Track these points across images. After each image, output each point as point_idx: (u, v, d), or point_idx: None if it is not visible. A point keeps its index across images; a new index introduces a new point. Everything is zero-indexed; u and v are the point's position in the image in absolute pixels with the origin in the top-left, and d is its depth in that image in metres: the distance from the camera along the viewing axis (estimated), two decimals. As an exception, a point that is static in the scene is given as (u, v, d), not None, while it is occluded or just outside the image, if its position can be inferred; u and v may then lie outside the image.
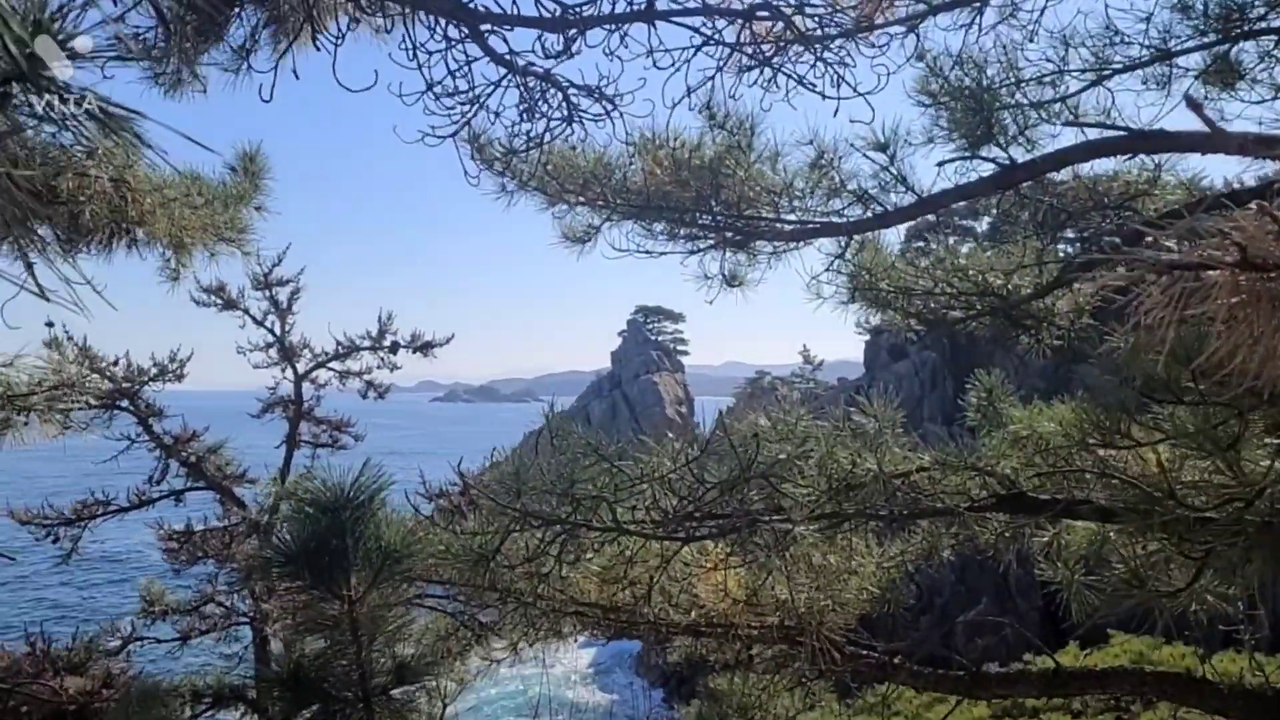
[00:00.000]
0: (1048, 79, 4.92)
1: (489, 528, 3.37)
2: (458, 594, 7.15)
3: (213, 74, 4.49)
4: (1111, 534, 3.99)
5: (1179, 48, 4.93)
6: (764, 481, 3.59)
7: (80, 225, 4.22)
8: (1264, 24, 4.83)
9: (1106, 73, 4.93)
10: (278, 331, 9.76)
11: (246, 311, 9.59)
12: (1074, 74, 4.94)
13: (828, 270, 5.42)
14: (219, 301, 9.34)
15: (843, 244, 5.24)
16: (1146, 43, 4.95)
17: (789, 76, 3.07)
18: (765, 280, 5.67)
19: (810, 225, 5.04)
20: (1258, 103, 5.00)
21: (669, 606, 5.06)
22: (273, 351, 9.89)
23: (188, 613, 8.65)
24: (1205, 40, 4.87)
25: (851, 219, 4.91)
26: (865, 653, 4.88)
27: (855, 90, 3.06)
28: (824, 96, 3.15)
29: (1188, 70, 5.02)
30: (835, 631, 4.22)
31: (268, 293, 9.55)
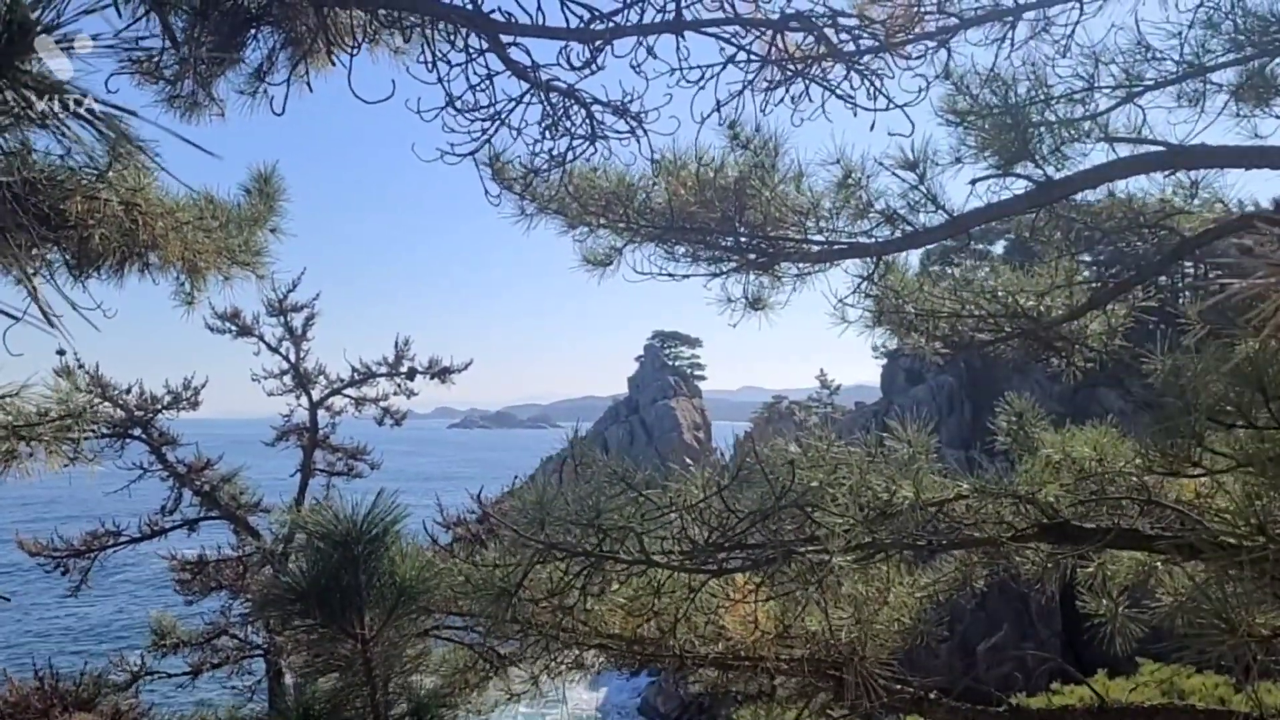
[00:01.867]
0: (1078, 96, 4.78)
1: (511, 559, 3.23)
2: (476, 625, 7.00)
3: (230, 97, 4.42)
4: (1159, 564, 3.83)
5: (1213, 63, 4.79)
6: (796, 511, 3.44)
7: (90, 249, 4.13)
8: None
9: (1138, 89, 4.80)
10: (292, 358, 9.68)
11: (261, 338, 9.51)
12: (1105, 91, 4.80)
13: (855, 293, 5.29)
14: (233, 328, 9.27)
15: (871, 265, 5.11)
16: (1180, 59, 4.81)
17: (824, 87, 2.94)
18: (788, 304, 5.55)
19: (838, 246, 4.91)
20: (1296, 119, 4.86)
21: (694, 638, 4.90)
22: (287, 378, 9.81)
23: (199, 645, 8.50)
24: (1242, 54, 4.73)
25: (880, 239, 4.79)
26: (899, 687, 4.70)
27: (891, 102, 2.93)
28: (856, 109, 3.03)
29: (1221, 86, 4.88)
30: (873, 665, 4.05)
31: (282, 319, 9.48)
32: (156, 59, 3.53)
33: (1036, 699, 9.58)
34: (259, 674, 8.74)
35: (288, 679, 8.58)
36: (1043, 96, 4.70)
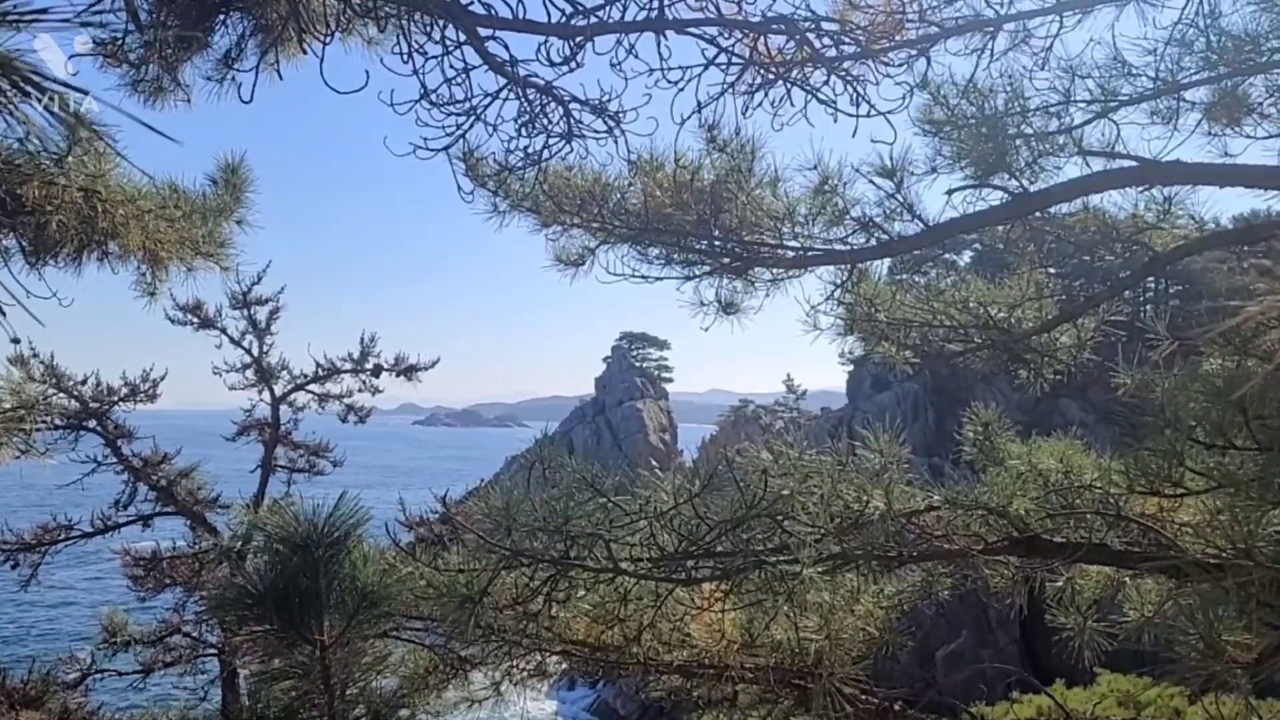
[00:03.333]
0: (1054, 109, 4.79)
1: (476, 564, 3.16)
2: (436, 628, 6.90)
3: (198, 84, 4.31)
4: (1127, 579, 3.83)
5: (1187, 80, 4.81)
6: (767, 519, 3.40)
7: (47, 236, 4.01)
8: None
9: (1113, 105, 4.80)
10: (255, 352, 9.50)
11: (224, 331, 9.32)
12: (1080, 105, 4.81)
13: (828, 300, 5.27)
14: (195, 320, 9.07)
15: (845, 273, 5.08)
16: (1155, 75, 4.82)
17: (806, 90, 2.90)
18: (762, 309, 5.52)
19: (813, 252, 4.88)
20: (1265, 138, 4.89)
21: (658, 645, 4.85)
22: (250, 372, 9.62)
23: (152, 644, 8.31)
24: (1215, 73, 4.75)
25: (855, 247, 4.76)
26: (864, 697, 4.67)
27: (872, 108, 2.90)
28: (837, 114, 2.99)
29: (1195, 104, 4.90)
30: (844, 676, 4.02)
31: (246, 312, 9.29)
32: (121, 40, 3.42)
33: (997, 709, 9.64)
34: (213, 673, 8.57)
35: (242, 679, 8.44)
36: (1019, 109, 4.70)
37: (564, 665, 5.67)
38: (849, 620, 4.71)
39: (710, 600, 4.49)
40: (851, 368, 51.61)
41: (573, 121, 3.38)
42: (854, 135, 2.97)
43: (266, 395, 9.62)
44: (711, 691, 5.76)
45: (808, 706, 4.83)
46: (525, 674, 5.81)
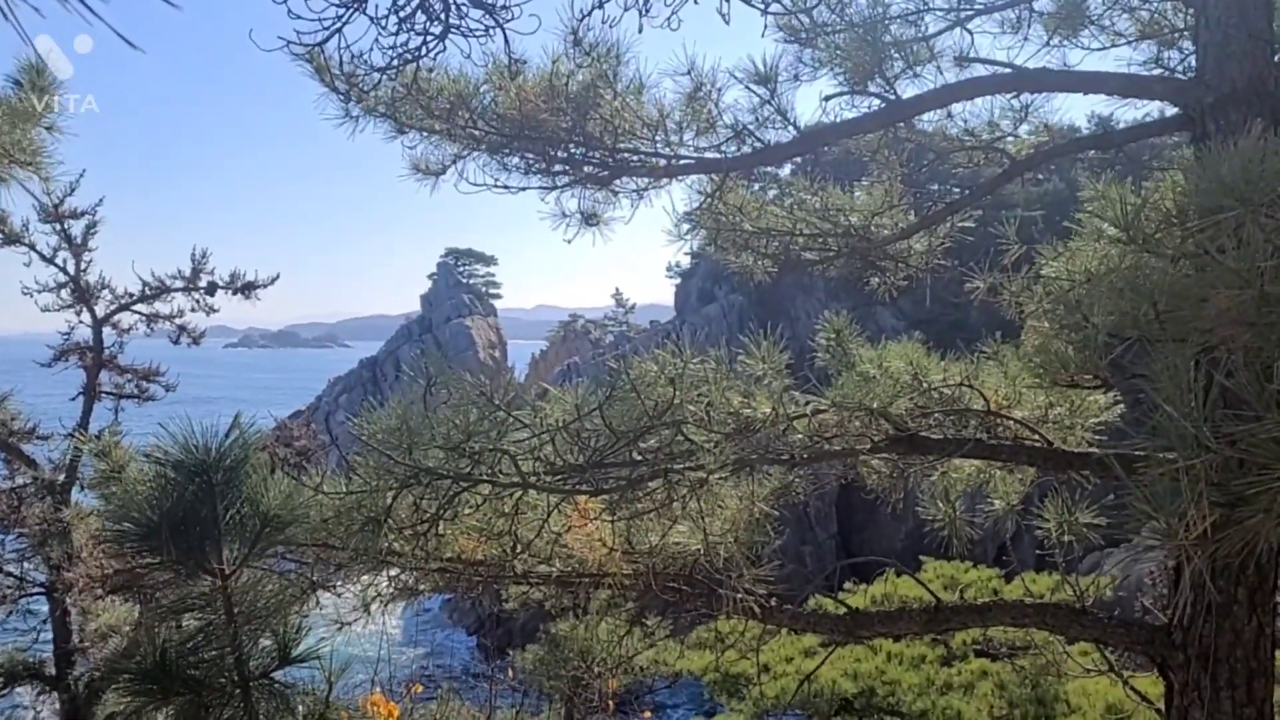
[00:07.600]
0: (912, 17, 4.88)
1: (379, 485, 3.02)
2: (287, 554, 6.68)
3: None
4: (996, 471, 4.05)
5: (1039, -11, 4.99)
6: (669, 429, 3.39)
7: None
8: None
9: (968, 13, 4.93)
10: (71, 270, 8.66)
11: (32, 247, 8.42)
12: (937, 13, 4.91)
13: (700, 209, 5.25)
14: (-2, 235, 8.16)
15: (716, 182, 5.06)
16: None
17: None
18: (634, 219, 5.46)
19: (685, 161, 4.83)
20: (1098, 49, 5.16)
21: (532, 558, 4.85)
22: (65, 292, 8.77)
23: (-34, 586, 7.68)
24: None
25: (730, 155, 4.74)
26: (741, 595, 4.82)
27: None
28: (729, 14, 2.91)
29: (1041, 14, 5.10)
30: (752, 577, 4.11)
31: (59, 226, 8.42)
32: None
33: (875, 585, 10.34)
34: (41, 613, 8.02)
35: (73, 617, 7.95)
36: (881, 15, 4.76)
37: (440, 583, 5.61)
38: (714, 524, 4.83)
39: (591, 514, 4.49)
40: (679, 281, 52.44)
41: (450, 16, 3.19)
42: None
43: (87, 317, 8.82)
44: (587, 599, 5.83)
45: (683, 606, 4.96)
46: (393, 593, 5.71)
